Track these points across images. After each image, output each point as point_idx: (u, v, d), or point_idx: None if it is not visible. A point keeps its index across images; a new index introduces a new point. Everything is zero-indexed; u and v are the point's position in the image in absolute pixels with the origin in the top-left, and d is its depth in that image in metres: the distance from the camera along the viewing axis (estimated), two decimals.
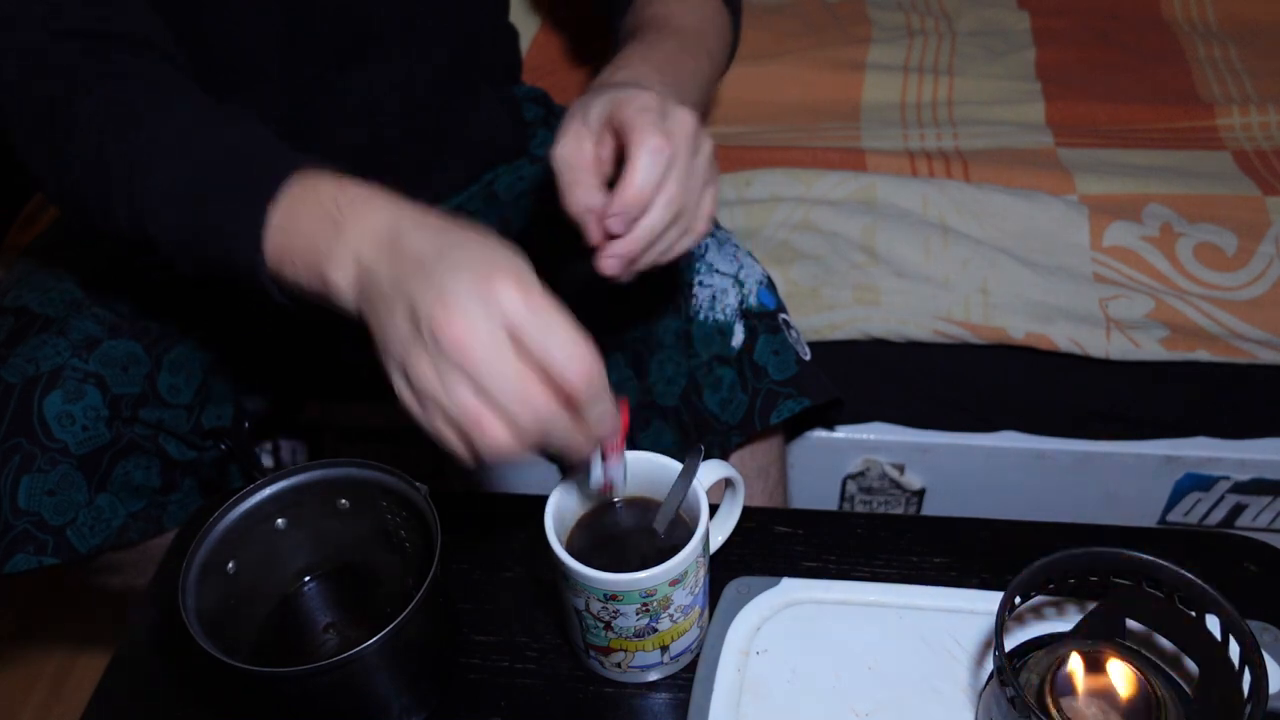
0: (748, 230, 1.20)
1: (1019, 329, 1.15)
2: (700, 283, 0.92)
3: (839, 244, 1.17)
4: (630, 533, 0.69)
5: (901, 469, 1.24)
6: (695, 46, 0.83)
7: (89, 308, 0.88)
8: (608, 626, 0.64)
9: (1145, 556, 0.61)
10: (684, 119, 0.64)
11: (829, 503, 1.28)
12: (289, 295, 0.62)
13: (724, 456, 0.92)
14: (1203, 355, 1.14)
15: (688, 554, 0.62)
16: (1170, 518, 1.30)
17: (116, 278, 0.90)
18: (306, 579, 0.73)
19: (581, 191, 0.63)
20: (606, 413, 0.53)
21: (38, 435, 0.80)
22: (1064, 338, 1.14)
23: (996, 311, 1.15)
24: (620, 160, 0.64)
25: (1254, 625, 0.64)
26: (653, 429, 0.95)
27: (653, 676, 0.69)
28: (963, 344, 1.16)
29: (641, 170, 0.61)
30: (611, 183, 0.65)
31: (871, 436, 1.22)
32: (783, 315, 0.94)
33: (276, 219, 0.59)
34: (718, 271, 0.93)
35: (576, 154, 0.63)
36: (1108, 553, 0.62)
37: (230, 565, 0.67)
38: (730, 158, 1.25)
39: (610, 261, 0.64)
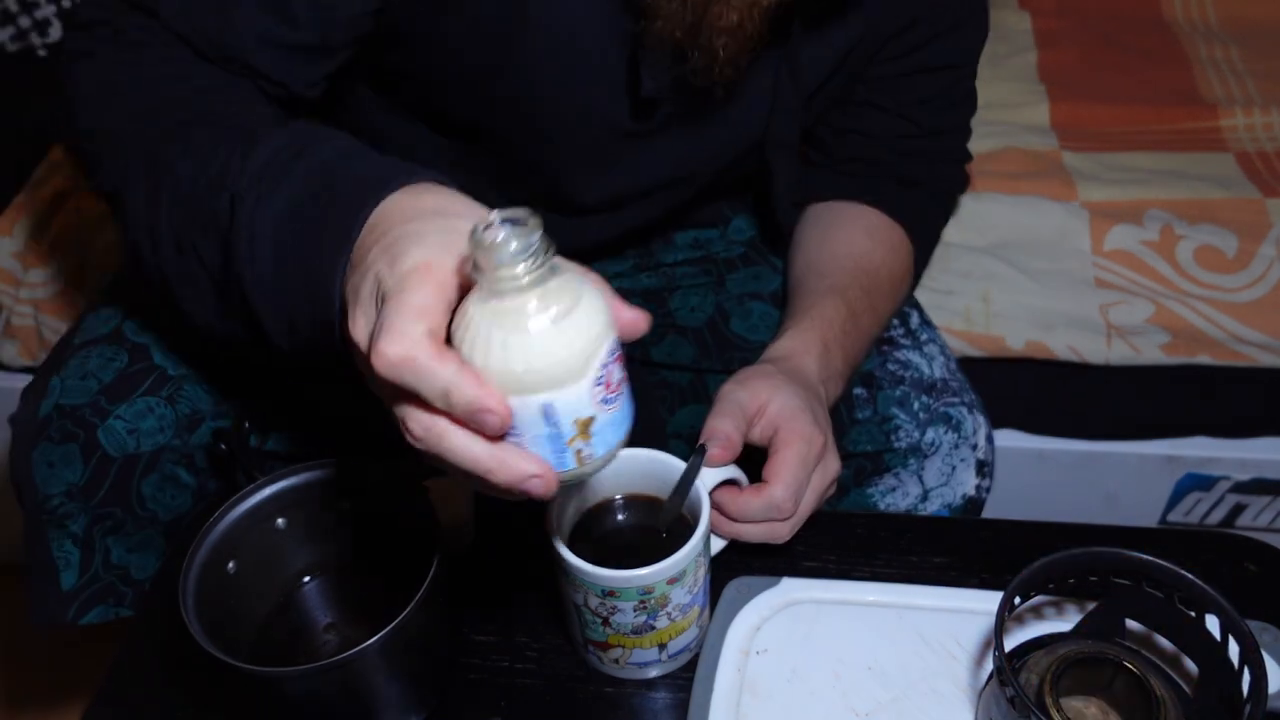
0: None
1: (1019, 338, 1.15)
2: None
3: None
4: (633, 530, 0.69)
5: None
6: (869, 312, 0.86)
7: (207, 373, 0.85)
8: (605, 622, 0.64)
9: (1145, 556, 0.61)
10: (832, 468, 0.73)
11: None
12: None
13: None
14: (1203, 360, 1.14)
15: (686, 553, 0.62)
16: (1170, 518, 1.30)
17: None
18: (306, 579, 0.73)
19: (726, 421, 0.70)
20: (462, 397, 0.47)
21: (133, 507, 0.83)
22: (1064, 346, 1.14)
23: (997, 320, 1.15)
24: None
25: (1254, 625, 0.64)
26: (667, 342, 0.97)
27: (651, 674, 0.69)
28: (963, 355, 1.16)
29: (778, 497, 0.69)
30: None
31: None
32: None
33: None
34: None
35: (730, 429, 0.70)
36: (1108, 553, 0.62)
37: (230, 565, 0.67)
38: None
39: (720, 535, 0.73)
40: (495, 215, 0.46)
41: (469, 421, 0.46)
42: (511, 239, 0.45)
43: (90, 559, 0.83)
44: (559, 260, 0.48)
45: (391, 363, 0.46)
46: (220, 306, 0.63)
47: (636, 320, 0.51)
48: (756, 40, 0.69)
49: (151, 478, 0.83)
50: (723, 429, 0.69)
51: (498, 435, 0.47)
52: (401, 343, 0.46)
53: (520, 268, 0.45)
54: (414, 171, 0.56)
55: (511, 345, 0.46)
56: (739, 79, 0.71)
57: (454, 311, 0.48)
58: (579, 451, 0.49)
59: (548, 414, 0.47)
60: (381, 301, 0.49)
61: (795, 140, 0.86)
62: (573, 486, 0.55)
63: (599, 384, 0.47)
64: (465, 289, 0.48)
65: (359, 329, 0.50)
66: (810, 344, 0.80)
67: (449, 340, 0.48)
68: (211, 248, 0.60)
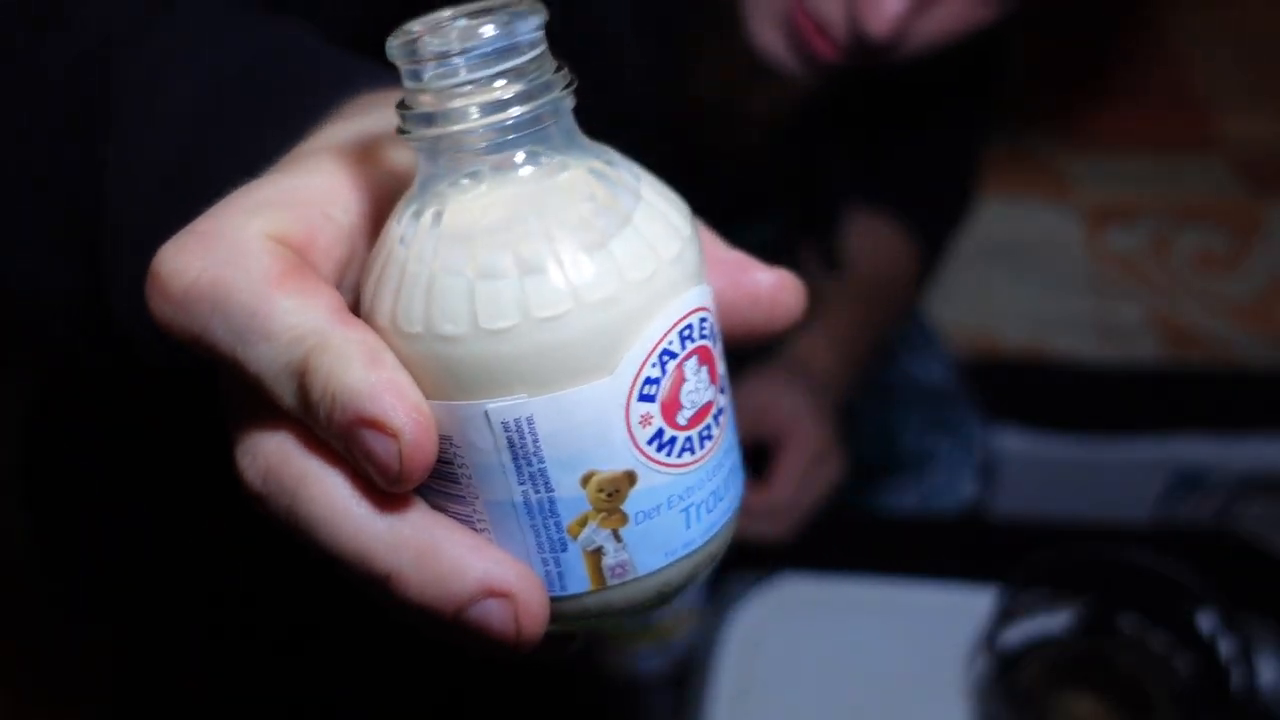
0: None
1: (1014, 340, 1.15)
2: None
3: None
4: None
5: None
6: (880, 315, 0.87)
7: None
8: None
9: (1141, 555, 0.62)
10: (836, 469, 0.74)
11: None
12: None
13: None
14: (1197, 360, 1.15)
15: None
16: (1165, 516, 1.31)
17: None
18: None
19: None
20: None
21: None
22: (1059, 348, 1.15)
23: (993, 322, 1.16)
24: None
25: (1247, 622, 0.65)
26: None
27: (650, 673, 0.70)
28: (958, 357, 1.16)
29: (777, 498, 0.70)
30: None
31: None
32: None
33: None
34: None
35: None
36: (1105, 552, 0.63)
37: None
38: None
39: None
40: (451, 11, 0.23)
41: (346, 446, 0.22)
42: (482, 29, 0.22)
43: None
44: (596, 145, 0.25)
45: (182, 291, 0.22)
46: (55, 234, 0.34)
47: (779, 285, 0.27)
48: (780, 127, 0.67)
49: None
50: None
51: (408, 483, 0.22)
52: (206, 249, 0.22)
53: (505, 92, 0.22)
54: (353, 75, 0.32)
55: (451, 292, 0.22)
56: (749, 160, 0.70)
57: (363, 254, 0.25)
58: (597, 552, 0.24)
59: (520, 449, 0.23)
60: None
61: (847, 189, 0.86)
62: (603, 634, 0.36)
63: (646, 398, 0.23)
64: (385, 203, 0.25)
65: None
66: (821, 344, 0.80)
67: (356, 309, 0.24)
68: (64, 141, 0.34)
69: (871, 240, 0.90)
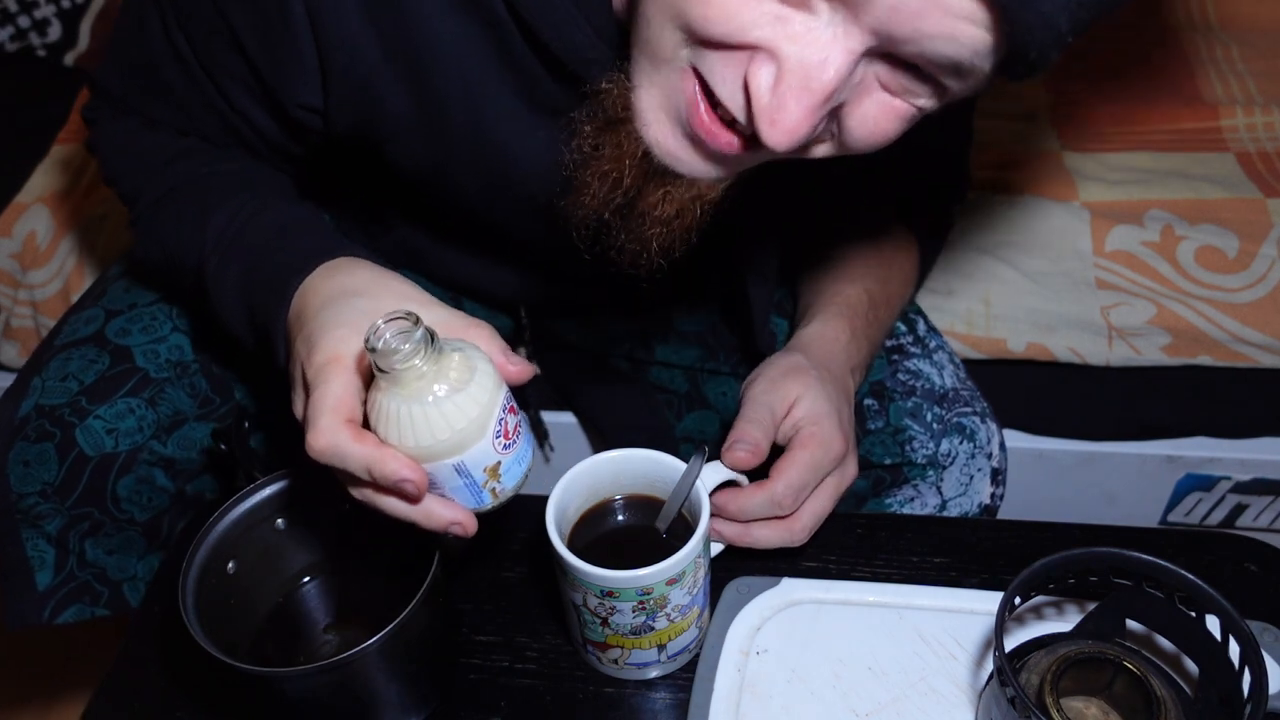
0: None
1: (1020, 340, 1.15)
2: None
3: None
4: (633, 530, 0.69)
5: None
6: (885, 304, 0.87)
7: (192, 374, 0.85)
8: (604, 622, 0.64)
9: (1145, 557, 0.61)
10: (850, 472, 0.74)
11: None
12: None
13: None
14: (1204, 360, 1.14)
15: (685, 554, 0.62)
16: (1171, 518, 1.30)
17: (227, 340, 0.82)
18: (306, 579, 0.73)
19: (755, 428, 0.70)
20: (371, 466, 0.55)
21: (108, 508, 0.83)
22: (1064, 348, 1.14)
23: (998, 322, 1.15)
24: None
25: (1254, 625, 0.64)
26: (671, 344, 0.97)
27: (651, 674, 0.69)
28: (964, 357, 1.16)
29: (779, 493, 0.69)
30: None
31: None
32: None
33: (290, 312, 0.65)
34: None
35: (759, 436, 0.70)
36: (1108, 553, 0.62)
37: (230, 565, 0.67)
38: None
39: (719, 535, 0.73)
40: (380, 322, 0.53)
41: (391, 491, 0.56)
42: (399, 341, 0.52)
43: (65, 558, 0.83)
44: (444, 339, 0.55)
45: (320, 453, 0.55)
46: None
47: (521, 372, 0.59)
48: (694, 233, 0.64)
49: (127, 479, 0.82)
50: (752, 435, 0.69)
51: (420, 499, 0.56)
52: (324, 436, 0.55)
53: (414, 361, 0.52)
54: (328, 250, 0.65)
55: (418, 423, 0.54)
56: (667, 267, 0.66)
57: (368, 393, 0.56)
58: (493, 490, 0.58)
59: (460, 470, 0.56)
60: (307, 392, 0.57)
61: (774, 269, 0.85)
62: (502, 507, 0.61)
63: (498, 436, 0.56)
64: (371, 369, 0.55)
65: (298, 410, 0.60)
66: (840, 331, 0.80)
67: (368, 422, 0.56)
68: (195, 285, 0.74)
69: (874, 227, 0.89)
